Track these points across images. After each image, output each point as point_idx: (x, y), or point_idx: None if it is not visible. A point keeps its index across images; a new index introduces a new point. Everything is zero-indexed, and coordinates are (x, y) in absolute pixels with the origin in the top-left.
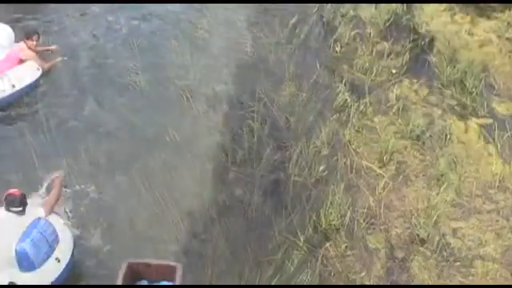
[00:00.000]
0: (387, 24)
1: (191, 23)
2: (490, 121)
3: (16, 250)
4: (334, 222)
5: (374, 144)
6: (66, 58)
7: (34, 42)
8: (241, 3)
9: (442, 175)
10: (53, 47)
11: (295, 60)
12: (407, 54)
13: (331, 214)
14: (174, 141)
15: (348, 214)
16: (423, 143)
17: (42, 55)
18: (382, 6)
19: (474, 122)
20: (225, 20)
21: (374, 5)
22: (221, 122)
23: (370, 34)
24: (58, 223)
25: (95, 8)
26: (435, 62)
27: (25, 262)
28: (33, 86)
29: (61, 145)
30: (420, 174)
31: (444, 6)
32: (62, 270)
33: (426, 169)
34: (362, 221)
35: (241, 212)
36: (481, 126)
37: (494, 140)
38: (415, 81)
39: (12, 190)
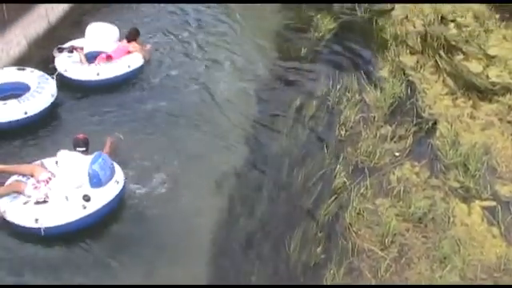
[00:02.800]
0: (391, 108)
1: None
2: (494, 203)
3: (88, 172)
4: None
5: (376, 226)
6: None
7: (138, 42)
8: None
9: (445, 258)
10: (148, 46)
11: (300, 144)
12: (410, 137)
13: None
14: None
15: None
16: (425, 226)
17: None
18: (387, 89)
19: (477, 205)
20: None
21: (378, 89)
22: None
23: (375, 117)
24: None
25: None
26: (438, 145)
27: (95, 179)
28: (139, 70)
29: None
30: (423, 256)
31: (446, 89)
32: (119, 190)
33: (429, 251)
34: None
35: None
36: (484, 208)
37: (497, 222)
38: (417, 163)
39: (78, 135)
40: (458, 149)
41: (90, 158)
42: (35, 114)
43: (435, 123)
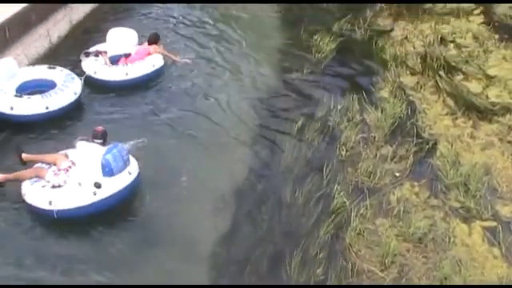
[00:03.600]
0: (392, 128)
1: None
2: (494, 224)
3: (101, 161)
4: None
5: (376, 247)
6: (189, 61)
7: (158, 45)
8: None
9: (445, 278)
10: (176, 58)
11: (301, 163)
12: (411, 157)
13: None
14: None
15: None
16: (426, 246)
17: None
18: (387, 110)
19: (477, 225)
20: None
21: (379, 109)
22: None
23: (375, 137)
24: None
25: None
26: (438, 165)
27: (107, 169)
28: (160, 71)
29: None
30: (423, 276)
31: (446, 109)
32: (131, 181)
33: (429, 272)
34: None
35: None
36: (485, 228)
37: (498, 243)
38: (416, 183)
39: (97, 127)
40: (458, 169)
41: (105, 148)
42: (58, 109)
43: (435, 143)
